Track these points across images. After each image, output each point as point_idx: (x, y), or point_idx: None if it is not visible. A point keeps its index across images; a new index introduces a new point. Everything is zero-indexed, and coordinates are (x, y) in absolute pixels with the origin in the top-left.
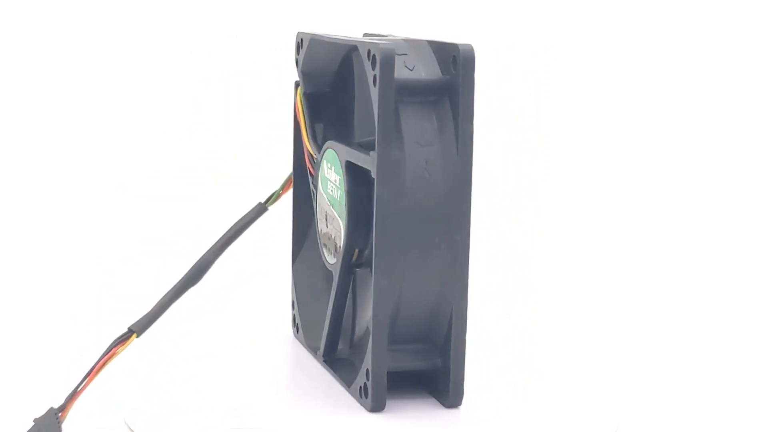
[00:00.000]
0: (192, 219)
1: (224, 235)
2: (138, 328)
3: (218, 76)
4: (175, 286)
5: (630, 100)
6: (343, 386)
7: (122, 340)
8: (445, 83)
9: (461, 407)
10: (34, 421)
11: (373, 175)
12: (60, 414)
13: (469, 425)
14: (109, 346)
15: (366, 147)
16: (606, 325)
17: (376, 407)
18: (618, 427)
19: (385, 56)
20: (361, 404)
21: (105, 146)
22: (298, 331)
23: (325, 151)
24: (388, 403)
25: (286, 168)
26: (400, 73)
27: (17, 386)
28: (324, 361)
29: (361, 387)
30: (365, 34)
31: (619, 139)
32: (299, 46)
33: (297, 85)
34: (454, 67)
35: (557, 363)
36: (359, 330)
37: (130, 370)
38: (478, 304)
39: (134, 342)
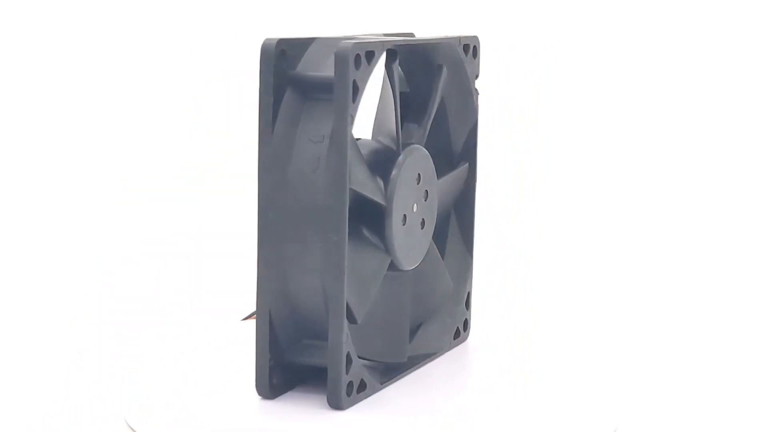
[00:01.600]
0: (192, 219)
1: None
2: None
3: (218, 76)
4: None
5: (630, 99)
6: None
7: None
8: None
9: (460, 407)
10: None
11: None
12: None
13: (469, 424)
14: None
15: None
16: (606, 325)
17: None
18: (617, 428)
19: (265, 50)
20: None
21: (105, 146)
22: None
23: None
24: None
25: None
26: (309, 69)
27: (17, 386)
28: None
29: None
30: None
31: (619, 138)
32: None
33: None
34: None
35: (557, 363)
36: None
37: (131, 370)
38: (478, 304)
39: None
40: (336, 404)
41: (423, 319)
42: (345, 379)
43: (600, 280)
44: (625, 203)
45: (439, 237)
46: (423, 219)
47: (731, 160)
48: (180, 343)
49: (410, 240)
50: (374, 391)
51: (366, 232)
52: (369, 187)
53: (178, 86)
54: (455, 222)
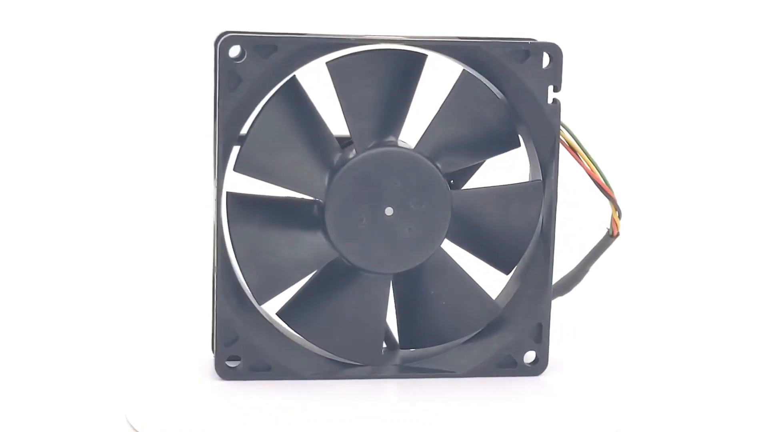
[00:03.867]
0: (192, 219)
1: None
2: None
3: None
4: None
5: (629, 99)
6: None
7: None
8: None
9: (460, 406)
10: None
11: None
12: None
13: (469, 424)
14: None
15: None
16: (606, 325)
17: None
18: (618, 429)
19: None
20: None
21: (105, 146)
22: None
23: None
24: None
25: None
26: None
27: (17, 386)
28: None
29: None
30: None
31: (620, 137)
32: None
33: None
34: None
35: (557, 363)
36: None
37: (131, 369)
38: None
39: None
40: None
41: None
42: (225, 351)
43: (600, 280)
44: (624, 203)
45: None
46: (409, 227)
47: (733, 160)
48: (180, 341)
49: (376, 242)
50: (287, 377)
51: (300, 225)
52: (294, 182)
53: (178, 86)
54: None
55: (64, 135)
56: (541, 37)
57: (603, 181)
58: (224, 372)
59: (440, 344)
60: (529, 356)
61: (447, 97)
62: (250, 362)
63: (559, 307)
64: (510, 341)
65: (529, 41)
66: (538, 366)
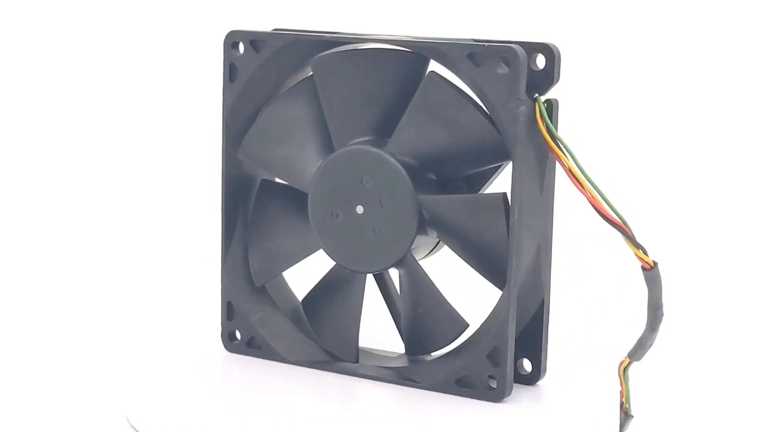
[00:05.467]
0: (192, 219)
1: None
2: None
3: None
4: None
5: (629, 99)
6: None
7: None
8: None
9: (459, 405)
10: None
11: None
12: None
13: (469, 423)
14: None
15: None
16: (606, 325)
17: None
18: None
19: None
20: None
21: (105, 146)
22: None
23: None
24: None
25: None
26: None
27: (16, 386)
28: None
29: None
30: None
31: (619, 138)
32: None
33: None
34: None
35: (557, 363)
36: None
37: (132, 368)
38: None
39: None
40: (224, 343)
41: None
42: (227, 325)
43: (600, 279)
44: (624, 202)
45: None
46: (375, 226)
47: (733, 160)
48: (180, 341)
49: (348, 239)
50: (273, 357)
51: (295, 213)
52: (288, 173)
53: (177, 86)
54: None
55: (96, 121)
56: (543, 39)
57: (610, 212)
58: (227, 344)
59: (415, 354)
60: (490, 380)
61: (413, 100)
62: (245, 339)
63: (558, 306)
64: (470, 361)
65: (486, 44)
66: (496, 392)
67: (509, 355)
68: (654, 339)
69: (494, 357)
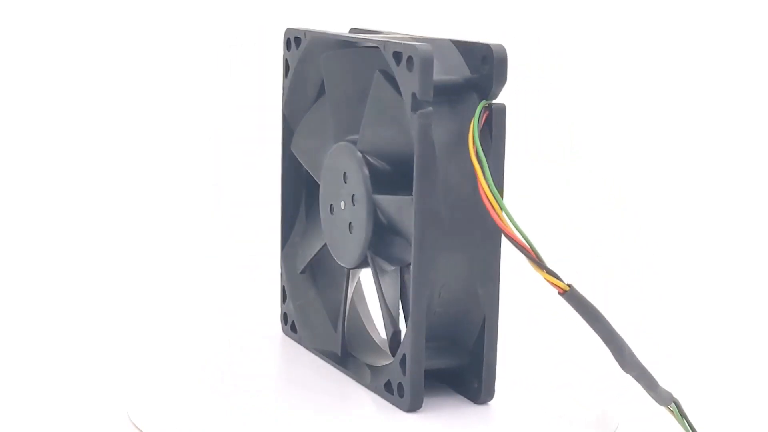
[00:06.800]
0: (192, 219)
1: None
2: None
3: (217, 76)
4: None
5: (630, 100)
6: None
7: None
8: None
9: (459, 405)
10: None
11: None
12: None
13: (469, 423)
14: None
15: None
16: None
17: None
18: (618, 427)
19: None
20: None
21: (105, 146)
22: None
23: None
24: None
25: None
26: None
27: (16, 386)
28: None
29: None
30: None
31: (619, 138)
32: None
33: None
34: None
35: (557, 363)
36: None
37: (133, 367)
38: None
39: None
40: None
41: None
42: (282, 307)
43: (600, 279)
44: (624, 203)
45: None
46: (350, 222)
47: (734, 161)
48: (181, 340)
49: (336, 234)
50: (301, 343)
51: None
52: (312, 166)
53: (177, 86)
54: None
55: (127, 111)
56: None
57: (517, 234)
58: (282, 326)
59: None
60: (399, 389)
61: (368, 98)
62: (290, 322)
63: (557, 305)
64: (391, 367)
65: (404, 43)
66: (405, 401)
67: (416, 365)
68: (627, 349)
69: (403, 365)
